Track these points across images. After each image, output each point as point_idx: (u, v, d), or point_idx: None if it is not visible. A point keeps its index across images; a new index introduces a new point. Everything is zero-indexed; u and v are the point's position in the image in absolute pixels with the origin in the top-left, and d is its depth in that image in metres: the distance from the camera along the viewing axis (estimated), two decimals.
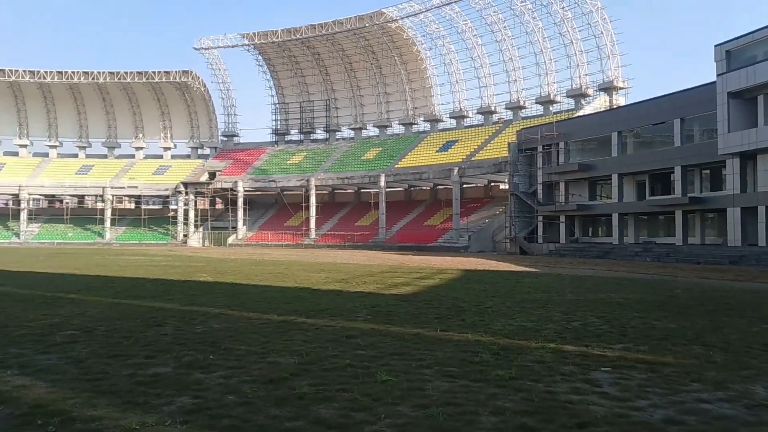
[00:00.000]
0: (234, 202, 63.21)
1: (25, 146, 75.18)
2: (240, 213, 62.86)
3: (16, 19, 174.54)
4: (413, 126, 67.76)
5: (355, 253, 40.95)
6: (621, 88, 51.63)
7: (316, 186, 60.01)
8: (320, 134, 74.07)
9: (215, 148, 75.67)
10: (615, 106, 47.44)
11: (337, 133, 73.07)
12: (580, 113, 48.86)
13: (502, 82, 60.19)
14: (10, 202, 69.30)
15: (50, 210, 72.93)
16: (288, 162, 68.64)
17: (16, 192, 66.54)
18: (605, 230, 39.70)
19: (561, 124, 41.30)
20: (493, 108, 61.06)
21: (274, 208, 69.01)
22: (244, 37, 68.98)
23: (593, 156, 38.83)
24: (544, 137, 40.53)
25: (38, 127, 75.20)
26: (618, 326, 8.46)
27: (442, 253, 41.44)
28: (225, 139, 76.04)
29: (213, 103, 75.60)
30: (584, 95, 53.67)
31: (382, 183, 54.96)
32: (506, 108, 60.22)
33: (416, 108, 67.26)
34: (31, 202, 68.80)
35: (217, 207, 71.42)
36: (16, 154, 74.75)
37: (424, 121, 67.15)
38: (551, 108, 54.97)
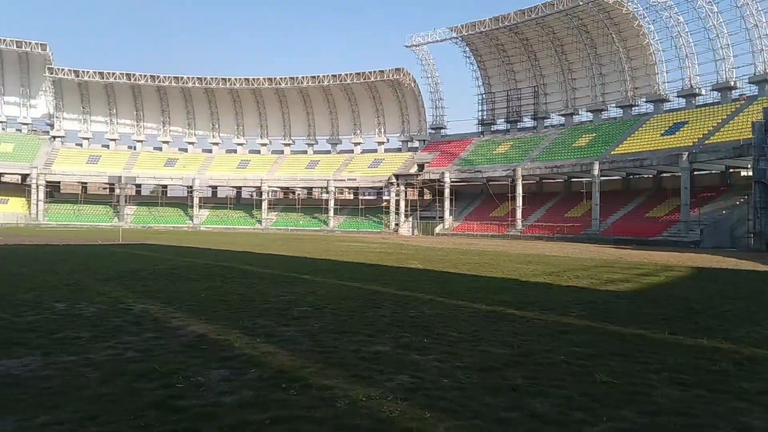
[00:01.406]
0: (441, 193, 64.92)
1: (265, 145, 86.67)
2: (446, 203, 64.33)
3: (248, 32, 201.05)
4: (633, 108, 61.97)
5: (565, 245, 39.11)
6: None
7: (522, 176, 58.60)
8: (527, 122, 71.98)
9: (424, 140, 78.49)
10: None
11: (545, 120, 70.31)
12: None
13: (744, 53, 51.86)
14: (254, 194, 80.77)
15: (285, 200, 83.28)
16: (494, 152, 68.19)
17: (259, 185, 77.31)
18: None
19: None
20: (732, 83, 52.93)
21: (479, 198, 69.23)
22: (452, 31, 70.03)
23: None
24: None
25: (275, 128, 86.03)
26: None
27: (667, 248, 37.32)
28: (433, 131, 78.39)
29: (422, 98, 78.44)
30: None
31: (596, 171, 51.41)
32: (749, 82, 51.70)
33: (636, 88, 61.39)
34: (270, 194, 79.23)
35: (425, 197, 74.10)
36: (258, 152, 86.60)
37: (646, 101, 60.92)
38: None
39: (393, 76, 75.92)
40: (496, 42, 69.92)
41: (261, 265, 16.62)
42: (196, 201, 77.11)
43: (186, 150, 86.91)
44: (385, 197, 75.34)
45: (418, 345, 6.11)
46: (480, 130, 74.91)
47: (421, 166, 71.87)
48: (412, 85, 77.19)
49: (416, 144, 79.62)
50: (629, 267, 18.98)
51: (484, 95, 74.54)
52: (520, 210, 57.78)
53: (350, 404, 4.10)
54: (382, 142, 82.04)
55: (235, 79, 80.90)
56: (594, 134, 61.05)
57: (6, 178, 79.36)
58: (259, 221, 76.12)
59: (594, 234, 48.55)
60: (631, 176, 56.87)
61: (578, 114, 67.63)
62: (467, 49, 72.75)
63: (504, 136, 71.93)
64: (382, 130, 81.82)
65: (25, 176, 75.68)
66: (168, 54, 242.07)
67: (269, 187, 78.00)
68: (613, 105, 64.00)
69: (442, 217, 65.10)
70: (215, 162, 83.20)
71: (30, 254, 19.35)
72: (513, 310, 8.76)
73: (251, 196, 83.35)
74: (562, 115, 68.45)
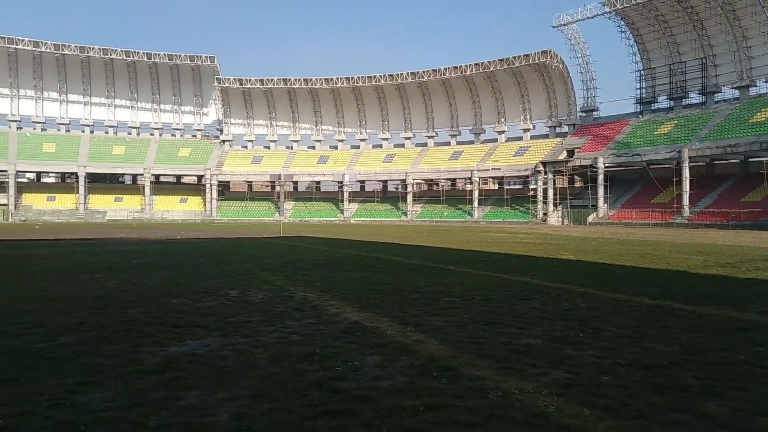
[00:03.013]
0: (593, 180, 61.24)
1: (409, 138, 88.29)
2: (600, 190, 60.54)
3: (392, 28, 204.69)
4: None
5: (741, 233, 34.82)
6: None
7: (689, 157, 53.26)
8: (694, 98, 65.13)
9: (573, 125, 74.52)
10: None
11: (715, 95, 63.02)
12: None
13: None
14: (399, 187, 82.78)
15: (429, 192, 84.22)
16: (655, 133, 62.67)
17: (404, 178, 79.02)
18: None
19: None
20: None
21: (638, 184, 64.16)
22: (605, 5, 65.45)
23: None
24: None
25: (419, 121, 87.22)
26: None
27: None
28: (584, 114, 74.12)
29: (571, 80, 74.49)
30: None
31: None
32: None
33: None
34: (414, 186, 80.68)
35: (576, 185, 70.46)
36: (402, 145, 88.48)
37: None
38: None
39: (539, 59, 73.00)
40: (655, 13, 64.07)
41: (408, 256, 16.99)
42: (346, 195, 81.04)
43: (336, 147, 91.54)
44: (531, 186, 72.95)
45: (572, 339, 5.83)
46: (638, 110, 69.31)
47: (570, 152, 68.38)
48: (560, 67, 73.59)
49: (565, 129, 75.91)
50: None
51: (642, 71, 68.84)
52: (687, 195, 52.61)
53: (503, 396, 4.04)
54: (528, 129, 79.42)
55: (380, 76, 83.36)
56: None
57: (185, 180, 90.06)
58: (405, 213, 77.85)
59: None
60: None
61: (755, 86, 59.69)
62: (622, 23, 67.63)
63: (666, 114, 65.83)
64: (528, 117, 79.17)
65: (200, 177, 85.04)
66: (315, 56, 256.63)
67: (413, 179, 79.40)
68: None
69: (595, 206, 61.45)
70: (362, 157, 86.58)
71: (207, 247, 21.72)
72: (681, 304, 8.00)
73: (397, 189, 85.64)
74: (736, 87, 60.91)
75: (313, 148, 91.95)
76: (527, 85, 77.71)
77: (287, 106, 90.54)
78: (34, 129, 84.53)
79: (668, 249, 20.22)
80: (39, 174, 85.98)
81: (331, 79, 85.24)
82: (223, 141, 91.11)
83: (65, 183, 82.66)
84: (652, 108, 68.59)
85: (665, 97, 67.14)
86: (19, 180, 77.84)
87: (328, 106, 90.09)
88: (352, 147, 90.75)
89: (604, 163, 60.96)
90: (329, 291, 9.31)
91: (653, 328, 6.44)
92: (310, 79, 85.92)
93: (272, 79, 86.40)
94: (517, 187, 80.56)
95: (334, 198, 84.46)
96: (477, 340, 5.76)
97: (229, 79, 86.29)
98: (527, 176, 73.41)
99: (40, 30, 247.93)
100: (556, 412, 3.73)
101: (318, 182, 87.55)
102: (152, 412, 3.72)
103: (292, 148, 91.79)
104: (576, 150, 67.81)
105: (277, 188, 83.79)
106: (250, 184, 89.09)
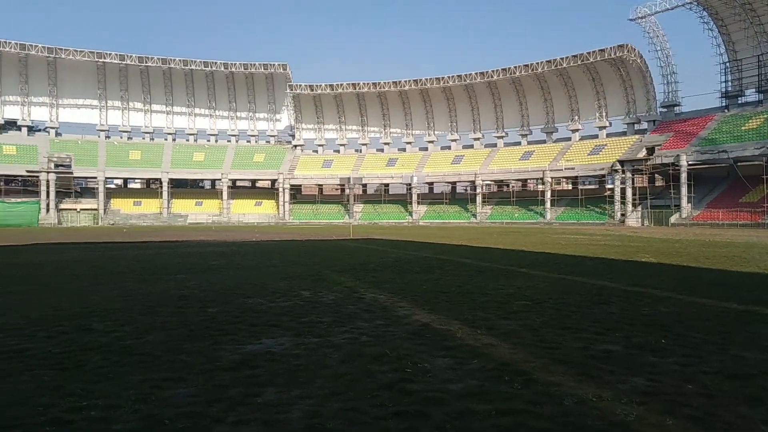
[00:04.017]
0: (676, 178, 58.19)
1: (478, 139, 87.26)
2: (683, 189, 57.43)
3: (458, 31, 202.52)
4: None
5: None
6: None
7: None
8: None
9: (653, 121, 71.09)
10: None
11: None
12: None
13: None
14: (468, 188, 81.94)
15: (499, 193, 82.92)
16: (742, 128, 58.78)
17: (473, 179, 78.16)
18: None
19: None
20: None
21: (725, 182, 60.34)
22: None
23: None
24: None
25: (488, 121, 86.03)
26: None
27: None
28: (664, 110, 70.58)
29: (650, 74, 71.15)
30: None
31: None
32: None
33: None
34: (483, 187, 79.62)
35: (656, 184, 67.25)
36: (471, 146, 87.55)
37: None
38: None
39: (615, 53, 70.20)
40: (741, 1, 60.08)
41: (477, 258, 16.78)
42: (414, 197, 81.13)
43: (404, 150, 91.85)
44: (608, 186, 70.25)
45: (654, 346, 5.56)
46: (723, 104, 65.25)
47: (650, 150, 65.28)
48: (638, 61, 70.44)
49: (644, 126, 72.58)
50: None
51: (727, 64, 64.77)
52: None
53: (579, 403, 3.92)
54: (603, 127, 76.52)
55: (448, 77, 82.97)
56: None
57: (259, 184, 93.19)
58: (474, 215, 76.97)
59: None
60: None
61: None
62: (705, 13, 63.91)
63: (755, 108, 61.61)
64: (603, 114, 76.30)
65: (273, 181, 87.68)
66: (382, 59, 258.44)
67: (483, 180, 78.38)
68: None
69: (678, 206, 58.36)
70: (431, 159, 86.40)
71: (280, 249, 22.37)
72: None
73: (465, 190, 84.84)
74: None
75: (382, 150, 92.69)
76: (602, 81, 74.86)
77: (356, 110, 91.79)
78: (121, 138, 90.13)
79: (758, 251, 18.89)
80: (126, 180, 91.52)
81: (399, 82, 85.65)
82: (295, 146, 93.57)
83: (150, 188, 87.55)
84: (739, 102, 64.29)
85: (753, 90, 62.75)
86: (108, 186, 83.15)
87: (396, 109, 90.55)
88: (421, 149, 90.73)
89: (687, 161, 57.75)
90: (398, 293, 9.35)
91: (742, 335, 6.04)
92: (379, 83, 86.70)
93: (341, 84, 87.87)
94: (593, 186, 77.71)
95: (403, 200, 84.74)
96: (551, 345, 5.61)
97: (300, 85, 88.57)
98: (603, 175, 70.70)
99: (124, 44, 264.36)
100: (637, 421, 3.58)
101: (386, 184, 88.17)
102: (231, 407, 3.88)
103: (361, 152, 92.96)
104: (656, 147, 64.61)
105: (347, 191, 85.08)
106: (320, 187, 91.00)
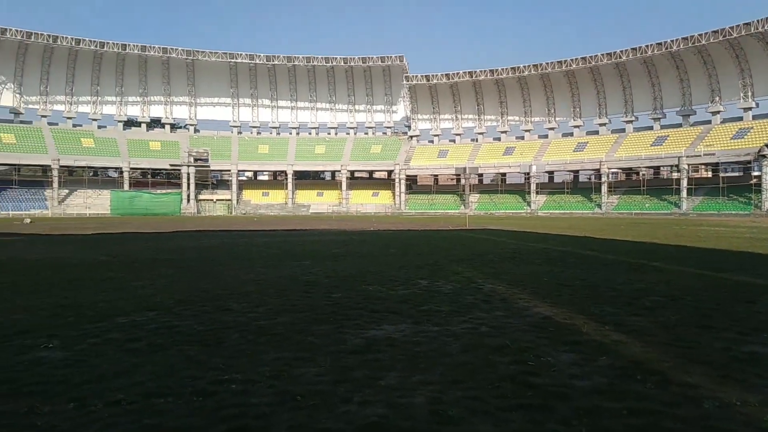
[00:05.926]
0: None
1: (604, 125, 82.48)
2: None
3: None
4: None
5: None
6: None
7: None
8: None
9: None
10: None
11: None
12: None
13: None
14: (593, 177, 77.72)
15: (627, 182, 77.84)
16: None
17: (597, 167, 74.06)
18: None
19: None
20: None
21: None
22: None
23: None
24: None
25: (615, 105, 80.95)
26: None
27: None
28: None
29: None
30: None
31: None
32: None
33: None
34: (609, 176, 75.14)
35: None
36: (596, 132, 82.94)
37: None
38: None
39: (764, 26, 62.91)
40: None
41: (603, 251, 15.93)
42: (533, 187, 78.61)
43: (522, 138, 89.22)
44: (754, 173, 63.24)
45: None
46: None
47: None
48: None
49: None
50: None
51: None
52: None
53: (720, 407, 3.62)
54: (749, 108, 69.03)
55: (571, 60, 79.33)
56: None
57: (376, 175, 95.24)
58: (599, 205, 73.02)
59: None
60: None
61: None
62: None
63: None
64: (749, 94, 68.81)
65: (389, 172, 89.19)
66: (500, 45, 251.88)
67: (609, 168, 74.04)
68: None
69: None
70: (551, 147, 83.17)
71: (397, 238, 22.78)
72: None
73: (589, 179, 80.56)
74: None
75: (499, 139, 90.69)
76: (747, 58, 67.37)
77: (472, 98, 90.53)
78: (251, 133, 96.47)
79: None
80: (255, 173, 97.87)
81: (518, 67, 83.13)
82: (411, 137, 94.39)
83: (276, 180, 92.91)
84: None
85: None
86: (240, 178, 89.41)
87: (515, 96, 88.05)
88: (540, 137, 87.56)
89: None
90: (518, 284, 9.15)
91: None
92: (496, 70, 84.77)
93: (458, 73, 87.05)
94: (736, 174, 70.40)
95: (521, 190, 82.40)
96: (688, 345, 5.22)
97: (416, 76, 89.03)
98: (749, 162, 63.76)
99: (252, 43, 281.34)
100: None
101: (503, 174, 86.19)
102: (357, 388, 4.06)
103: (477, 141, 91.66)
104: None
105: (462, 181, 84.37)
106: (436, 177, 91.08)
